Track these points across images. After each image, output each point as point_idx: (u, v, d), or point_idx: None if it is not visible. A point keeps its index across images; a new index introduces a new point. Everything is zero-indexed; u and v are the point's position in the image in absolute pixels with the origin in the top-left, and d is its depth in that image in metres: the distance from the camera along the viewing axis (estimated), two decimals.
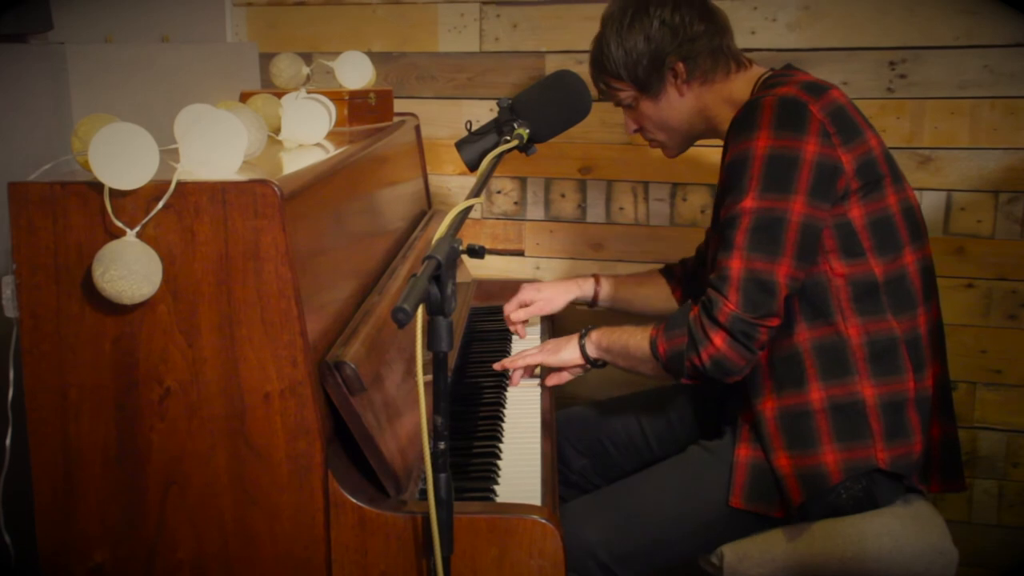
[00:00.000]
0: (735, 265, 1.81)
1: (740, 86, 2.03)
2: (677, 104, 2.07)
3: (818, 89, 1.89)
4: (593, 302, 2.42)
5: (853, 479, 1.86)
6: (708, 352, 1.82)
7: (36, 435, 1.52)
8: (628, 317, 2.28)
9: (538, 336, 2.47)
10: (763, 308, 1.80)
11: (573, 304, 2.44)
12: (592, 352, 2.06)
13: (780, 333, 1.88)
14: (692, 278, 2.37)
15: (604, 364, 2.09)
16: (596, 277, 2.43)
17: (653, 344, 1.91)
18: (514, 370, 2.19)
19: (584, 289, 2.41)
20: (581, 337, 2.07)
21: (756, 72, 2.05)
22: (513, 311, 2.38)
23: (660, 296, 2.40)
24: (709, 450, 2.00)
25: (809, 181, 1.80)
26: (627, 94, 2.09)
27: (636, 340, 1.96)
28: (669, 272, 2.43)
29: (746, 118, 1.87)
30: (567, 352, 2.08)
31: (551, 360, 2.11)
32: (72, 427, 1.51)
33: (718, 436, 2.02)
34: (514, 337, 2.46)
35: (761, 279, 1.80)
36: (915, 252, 1.93)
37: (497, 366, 2.20)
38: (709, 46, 2.02)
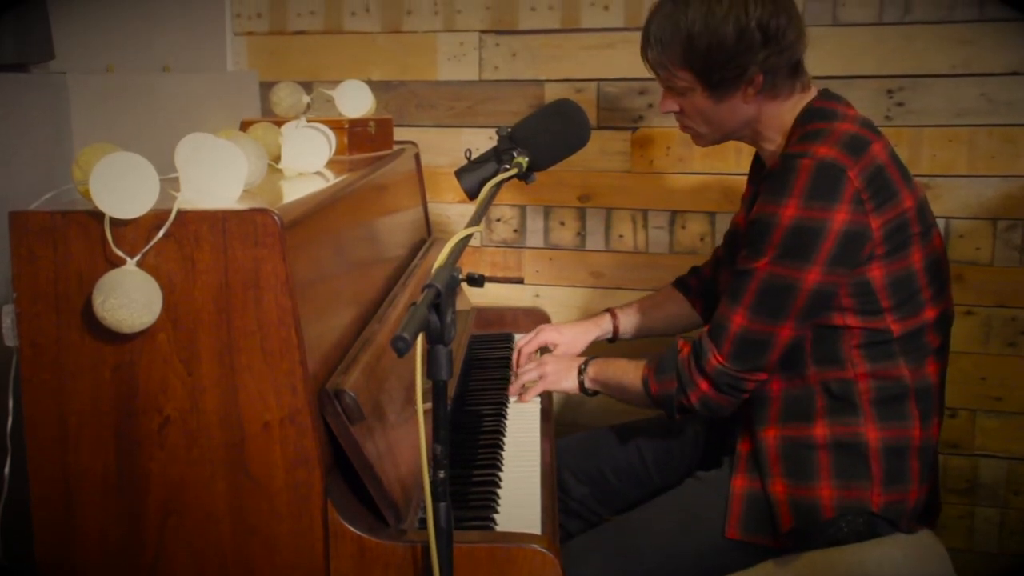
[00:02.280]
0: (736, 320, 1.83)
1: (792, 108, 1.92)
2: (738, 109, 1.91)
3: (860, 147, 1.79)
4: (613, 337, 2.41)
5: (852, 515, 1.85)
6: (696, 395, 1.88)
7: (35, 464, 1.52)
8: (654, 343, 2.30)
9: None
10: (752, 363, 1.84)
11: (594, 343, 2.41)
12: (589, 386, 2.14)
13: (792, 372, 1.88)
14: (712, 284, 2.34)
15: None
16: (612, 312, 2.41)
17: (645, 384, 1.97)
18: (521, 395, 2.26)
19: (603, 327, 2.40)
20: (580, 373, 2.14)
21: (809, 95, 1.94)
22: (531, 351, 2.38)
23: (682, 313, 2.40)
24: (705, 481, 2.00)
25: (831, 251, 1.75)
26: (686, 84, 1.91)
27: (630, 378, 2.01)
28: (684, 286, 2.41)
29: (780, 177, 1.79)
30: (567, 383, 2.17)
31: (552, 389, 2.21)
32: (71, 456, 1.51)
33: (716, 466, 2.01)
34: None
35: (758, 339, 1.82)
36: (937, 307, 1.88)
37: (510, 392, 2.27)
38: (791, 60, 1.87)
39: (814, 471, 1.86)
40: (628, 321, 2.40)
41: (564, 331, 2.38)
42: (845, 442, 1.86)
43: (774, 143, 1.96)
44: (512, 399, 2.25)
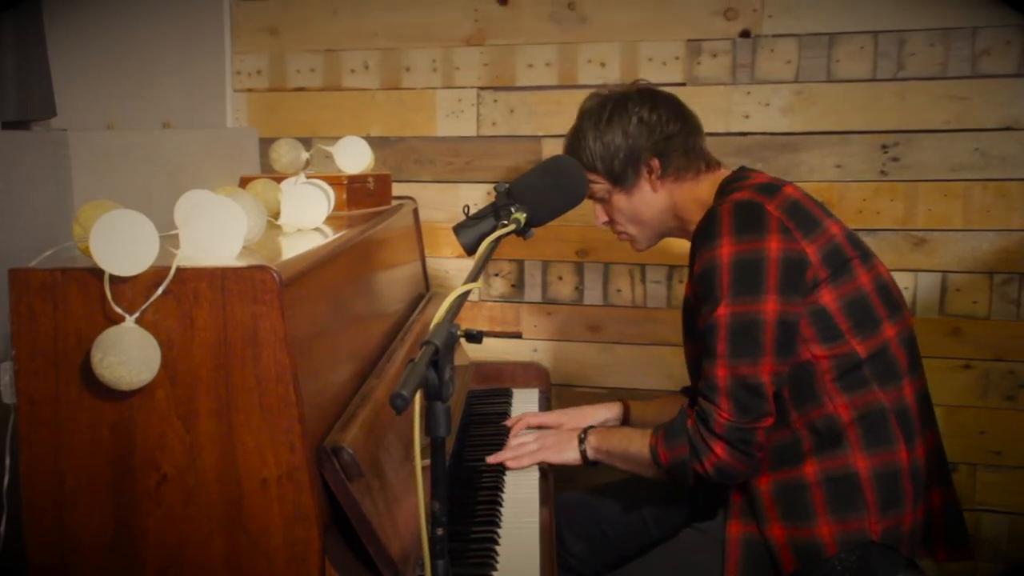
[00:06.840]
0: (720, 373, 1.86)
1: (707, 187, 2.09)
2: (650, 199, 2.13)
3: (771, 189, 1.95)
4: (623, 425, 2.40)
5: (848, 551, 1.85)
6: (711, 461, 1.87)
7: (32, 522, 1.50)
8: None
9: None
10: (754, 411, 1.85)
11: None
12: (591, 455, 2.12)
13: (778, 423, 1.90)
14: None
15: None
16: (624, 402, 2.43)
17: (654, 452, 1.96)
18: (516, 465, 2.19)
19: (613, 411, 2.41)
20: (581, 443, 2.13)
21: (723, 174, 2.11)
22: (534, 423, 2.37)
23: None
24: (701, 531, 2.00)
25: (778, 279, 1.84)
26: (601, 187, 2.15)
27: (636, 447, 2.01)
28: (688, 391, 2.40)
29: (707, 228, 1.92)
30: (569, 454, 2.14)
31: (553, 459, 2.16)
32: (68, 514, 1.50)
33: (711, 517, 2.01)
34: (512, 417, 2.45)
35: (748, 383, 1.84)
36: (895, 325, 1.95)
37: (492, 459, 2.19)
38: (683, 145, 2.10)
39: (810, 510, 1.87)
40: (637, 413, 2.39)
41: (570, 411, 2.40)
42: (836, 476, 1.87)
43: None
44: (507, 461, 2.20)
